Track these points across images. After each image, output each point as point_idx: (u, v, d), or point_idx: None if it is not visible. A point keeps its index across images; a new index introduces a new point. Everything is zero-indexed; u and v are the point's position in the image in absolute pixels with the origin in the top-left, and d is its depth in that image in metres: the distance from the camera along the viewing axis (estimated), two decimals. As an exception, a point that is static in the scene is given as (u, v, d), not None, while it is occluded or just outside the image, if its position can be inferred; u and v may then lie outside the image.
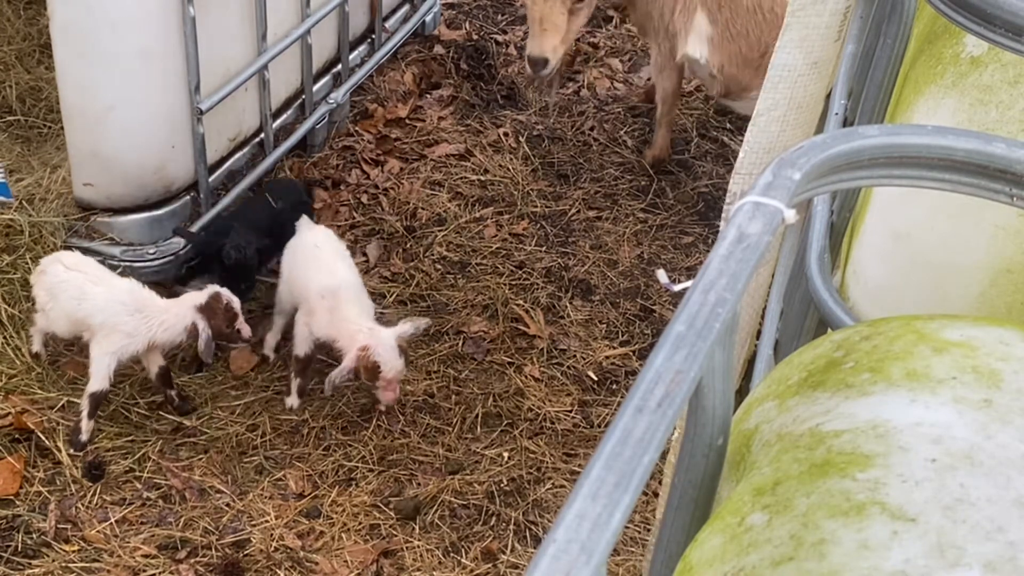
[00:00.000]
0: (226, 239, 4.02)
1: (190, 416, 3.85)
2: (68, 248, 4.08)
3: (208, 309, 3.70)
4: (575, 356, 4.31)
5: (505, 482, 3.76)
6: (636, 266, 4.82)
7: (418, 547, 3.51)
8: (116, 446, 3.71)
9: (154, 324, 3.65)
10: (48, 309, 3.70)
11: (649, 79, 5.78)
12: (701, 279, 1.09)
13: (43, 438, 3.63)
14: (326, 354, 4.12)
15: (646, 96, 5.75)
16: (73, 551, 3.36)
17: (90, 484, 3.56)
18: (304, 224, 4.19)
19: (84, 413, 3.65)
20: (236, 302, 3.75)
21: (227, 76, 4.32)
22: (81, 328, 3.69)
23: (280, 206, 4.33)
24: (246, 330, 3.79)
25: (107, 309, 3.63)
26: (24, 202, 4.08)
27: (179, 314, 3.68)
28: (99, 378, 3.63)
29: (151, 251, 4.18)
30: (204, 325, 3.67)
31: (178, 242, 4.24)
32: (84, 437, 3.67)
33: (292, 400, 3.95)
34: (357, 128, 5.39)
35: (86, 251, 4.12)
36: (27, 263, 3.96)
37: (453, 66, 5.96)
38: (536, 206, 5.11)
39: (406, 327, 3.78)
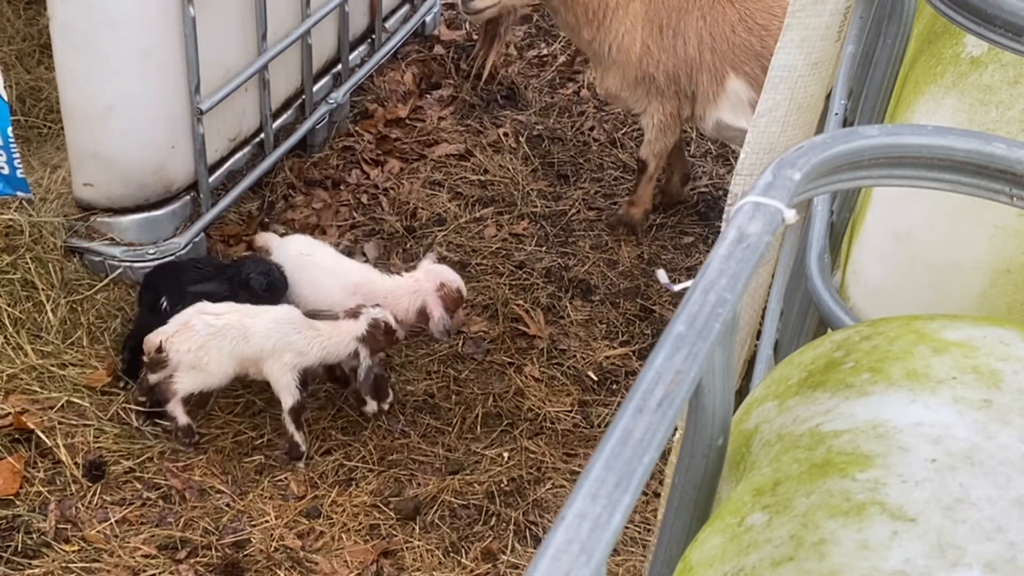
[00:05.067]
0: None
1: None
2: (70, 249, 4.08)
3: (370, 338, 3.71)
4: (575, 356, 4.31)
5: (505, 482, 3.76)
6: (636, 266, 4.82)
7: (418, 547, 3.51)
8: (117, 446, 3.70)
9: (321, 341, 3.69)
10: (205, 363, 3.64)
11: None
12: (701, 279, 1.09)
13: (43, 438, 3.63)
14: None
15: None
16: (73, 551, 3.36)
17: (90, 484, 3.56)
18: (280, 240, 4.18)
19: (292, 429, 3.72)
20: (392, 321, 3.77)
21: (227, 76, 4.32)
22: (248, 365, 3.70)
23: None
24: (401, 333, 3.86)
25: (276, 332, 3.66)
26: (24, 202, 4.08)
27: (340, 341, 3.71)
28: (290, 393, 3.69)
29: (151, 251, 4.18)
30: (366, 354, 3.70)
31: (178, 242, 4.24)
32: (303, 448, 3.75)
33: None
34: (357, 128, 5.39)
35: (86, 251, 4.13)
36: (27, 263, 3.96)
37: (453, 66, 5.96)
38: (536, 206, 5.11)
39: (431, 256, 4.04)
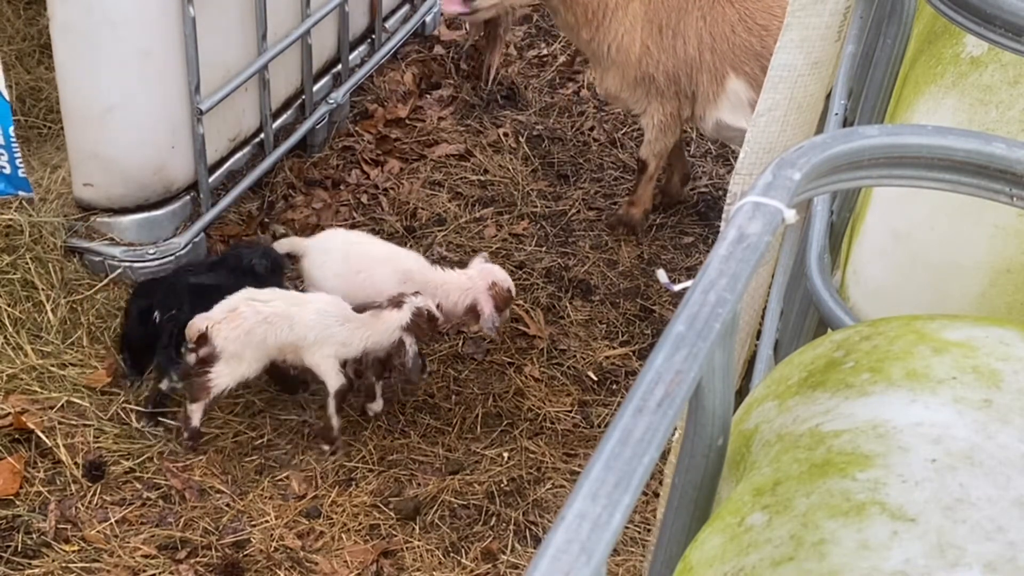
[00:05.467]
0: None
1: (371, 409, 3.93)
2: (70, 249, 4.08)
3: (414, 327, 3.70)
4: (575, 356, 4.31)
5: (505, 482, 3.76)
6: (636, 266, 4.82)
7: (418, 547, 3.51)
8: (117, 446, 3.70)
9: (364, 333, 3.68)
10: (246, 353, 3.59)
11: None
12: (701, 279, 1.09)
13: (43, 438, 3.63)
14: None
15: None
16: (73, 551, 3.36)
17: (90, 484, 3.56)
18: (311, 241, 4.09)
19: (332, 411, 3.71)
20: (435, 309, 3.77)
21: (227, 76, 4.32)
22: (287, 351, 3.67)
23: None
24: (444, 323, 3.89)
25: (319, 323, 3.63)
26: (24, 202, 4.08)
27: (385, 330, 3.69)
28: (335, 377, 3.68)
29: (151, 251, 4.18)
30: (412, 341, 3.70)
31: (178, 242, 4.24)
32: (336, 434, 3.76)
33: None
34: (357, 128, 5.39)
35: (86, 251, 4.12)
36: (27, 263, 3.96)
37: (453, 66, 5.96)
38: (536, 206, 5.11)
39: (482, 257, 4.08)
